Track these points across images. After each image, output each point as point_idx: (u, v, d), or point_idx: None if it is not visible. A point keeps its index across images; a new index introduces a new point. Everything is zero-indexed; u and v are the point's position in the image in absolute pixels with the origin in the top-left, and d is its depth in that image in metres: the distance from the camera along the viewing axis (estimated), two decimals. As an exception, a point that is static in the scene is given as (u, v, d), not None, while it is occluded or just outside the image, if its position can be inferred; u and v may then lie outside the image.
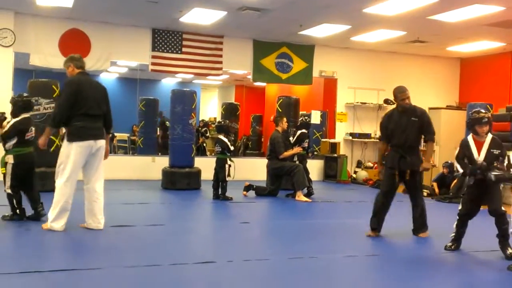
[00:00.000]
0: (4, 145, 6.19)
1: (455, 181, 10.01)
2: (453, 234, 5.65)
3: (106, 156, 5.95)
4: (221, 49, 12.34)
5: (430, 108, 14.25)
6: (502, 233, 5.30)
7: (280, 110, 11.60)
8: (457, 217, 5.62)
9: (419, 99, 14.00)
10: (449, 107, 14.05)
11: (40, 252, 4.99)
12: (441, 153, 13.60)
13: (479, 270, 5.11)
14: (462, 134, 12.15)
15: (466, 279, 4.79)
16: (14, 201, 6.17)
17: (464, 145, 5.55)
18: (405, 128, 6.08)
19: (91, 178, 5.83)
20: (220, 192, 8.79)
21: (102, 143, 5.80)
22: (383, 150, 6.44)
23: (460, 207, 5.63)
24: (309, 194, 9.45)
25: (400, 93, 6.12)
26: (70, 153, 5.60)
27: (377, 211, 6.15)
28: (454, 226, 5.65)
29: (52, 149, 9.05)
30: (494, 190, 5.42)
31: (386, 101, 13.47)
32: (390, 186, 6.16)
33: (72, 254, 5.00)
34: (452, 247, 5.61)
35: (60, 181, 5.63)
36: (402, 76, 14.03)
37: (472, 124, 5.46)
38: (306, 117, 10.70)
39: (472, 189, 5.50)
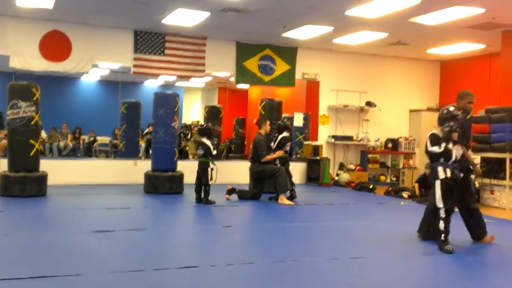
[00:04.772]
0: None
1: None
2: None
3: None
4: (204, 51, 12.31)
5: (411, 110, 14.44)
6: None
7: (263, 113, 11.63)
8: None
9: (400, 101, 14.27)
10: (429, 109, 14.20)
11: (12, 258, 4.89)
12: (422, 154, 13.66)
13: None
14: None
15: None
16: None
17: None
18: None
19: None
20: (202, 196, 8.74)
21: None
22: None
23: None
24: (291, 197, 9.45)
25: (471, 95, 6.24)
26: None
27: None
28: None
29: (31, 153, 8.96)
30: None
31: (368, 103, 13.59)
32: None
33: (51, 260, 4.90)
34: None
35: None
36: (384, 78, 14.18)
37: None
38: (286, 119, 10.67)
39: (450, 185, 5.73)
